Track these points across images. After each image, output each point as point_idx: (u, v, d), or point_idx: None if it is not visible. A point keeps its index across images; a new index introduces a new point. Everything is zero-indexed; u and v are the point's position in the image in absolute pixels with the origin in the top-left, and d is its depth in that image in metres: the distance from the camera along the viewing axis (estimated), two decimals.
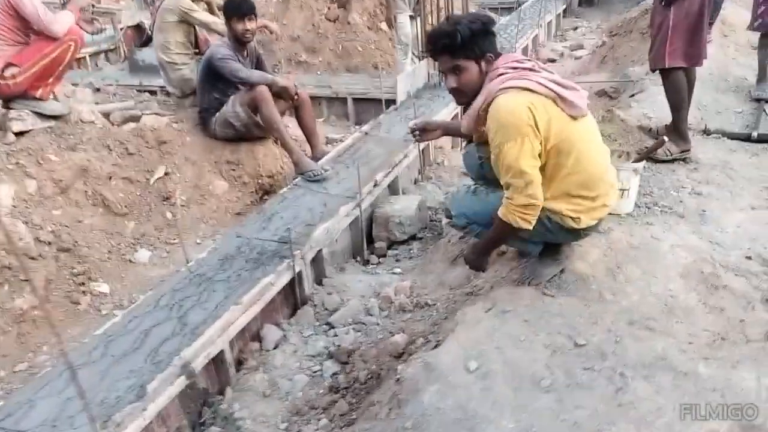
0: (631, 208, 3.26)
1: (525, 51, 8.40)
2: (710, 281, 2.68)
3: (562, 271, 2.75)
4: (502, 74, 2.40)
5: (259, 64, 4.96)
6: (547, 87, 2.36)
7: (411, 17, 7.16)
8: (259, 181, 4.90)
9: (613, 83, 6.69)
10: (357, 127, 6.72)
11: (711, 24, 6.04)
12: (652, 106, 4.97)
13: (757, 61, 5.12)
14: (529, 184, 2.33)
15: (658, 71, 3.80)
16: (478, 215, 2.67)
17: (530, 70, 2.42)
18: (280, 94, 4.79)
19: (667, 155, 3.76)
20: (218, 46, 4.65)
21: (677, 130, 3.83)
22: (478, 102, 2.44)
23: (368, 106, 6.63)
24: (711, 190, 3.53)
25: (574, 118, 2.42)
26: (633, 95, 5.61)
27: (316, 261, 3.69)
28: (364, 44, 8.06)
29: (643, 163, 3.22)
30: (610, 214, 3.11)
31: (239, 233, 3.73)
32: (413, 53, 7.25)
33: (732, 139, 4.44)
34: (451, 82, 2.47)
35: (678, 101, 3.77)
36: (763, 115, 4.81)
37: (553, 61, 8.46)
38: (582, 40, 9.21)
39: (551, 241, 2.70)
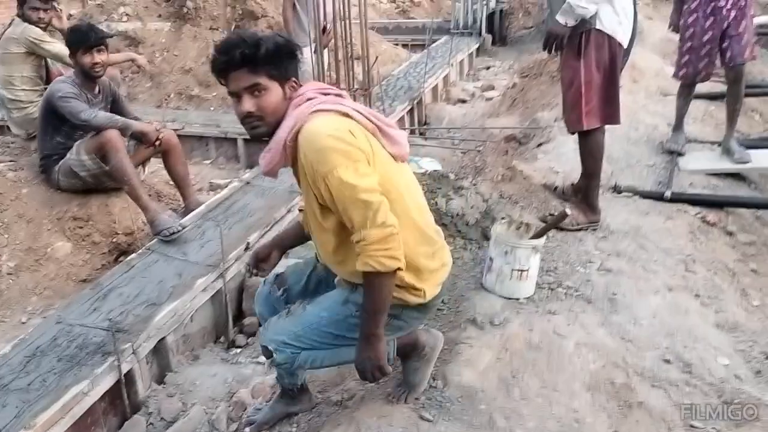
0: (532, 290, 2.75)
1: (435, 90, 8.00)
2: (623, 396, 2.17)
3: (434, 379, 2.19)
4: (312, 98, 1.90)
5: (115, 104, 4.25)
6: (365, 116, 1.91)
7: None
8: (114, 240, 4.17)
9: (523, 129, 6.32)
10: (248, 170, 6.07)
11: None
12: (559, 158, 4.57)
13: (675, 109, 4.81)
14: (378, 211, 1.79)
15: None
16: (304, 337, 2.05)
17: (341, 96, 1.98)
18: (139, 138, 4.11)
19: (573, 226, 3.29)
20: (61, 82, 3.93)
21: (587, 199, 3.38)
22: (284, 131, 1.88)
23: (261, 148, 5.98)
24: (622, 265, 3.07)
25: (395, 158, 1.97)
26: (540, 144, 5.22)
27: (158, 352, 3.00)
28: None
29: (544, 239, 2.72)
30: (508, 299, 2.60)
31: (61, 317, 2.99)
32: None
33: (644, 197, 4.05)
34: (247, 104, 1.89)
35: (593, 167, 3.33)
36: (675, 171, 4.48)
37: (463, 101, 8.09)
38: (494, 80, 8.92)
39: (398, 332, 2.12)
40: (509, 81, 8.78)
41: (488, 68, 9.80)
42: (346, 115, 1.88)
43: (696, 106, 5.62)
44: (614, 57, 3.06)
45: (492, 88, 8.35)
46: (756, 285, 3.39)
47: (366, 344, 1.94)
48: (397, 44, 10.84)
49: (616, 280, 2.90)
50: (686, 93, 4.66)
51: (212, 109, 7.29)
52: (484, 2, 11.21)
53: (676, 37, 8.06)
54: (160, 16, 8.16)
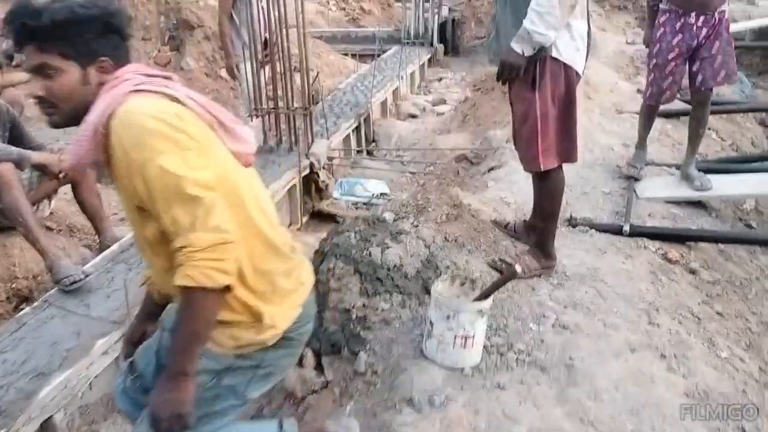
0: (478, 359, 2.39)
1: (384, 105, 7.64)
2: None
3: None
4: (130, 79, 1.53)
5: (15, 130, 3.76)
6: (200, 105, 1.55)
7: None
8: (14, 285, 3.68)
9: (474, 150, 6.00)
10: None
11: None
12: (511, 186, 4.24)
13: (638, 129, 4.51)
14: (210, 211, 1.43)
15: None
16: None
17: (169, 79, 1.62)
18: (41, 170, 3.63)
19: (525, 273, 2.95)
20: None
21: (542, 244, 3.04)
22: (94, 115, 1.48)
23: None
24: (579, 319, 2.74)
25: (238, 158, 1.61)
26: (491, 169, 4.89)
27: None
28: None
29: (491, 300, 2.36)
30: (451, 370, 2.23)
31: None
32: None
33: (601, 231, 3.75)
34: (35, 87, 1.54)
35: (551, 209, 2.99)
36: (633, 198, 4.19)
37: (414, 116, 7.76)
38: (445, 93, 8.62)
39: (268, 382, 1.75)
40: (461, 94, 8.50)
41: (440, 80, 9.50)
42: (176, 100, 1.51)
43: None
44: (571, 87, 2.72)
45: (443, 102, 8.04)
46: (722, 331, 3.10)
47: (169, 383, 1.51)
48: (346, 54, 10.48)
49: (574, 341, 2.56)
50: (649, 113, 4.37)
51: None
52: (436, 11, 10.92)
53: (630, 49, 7.91)
54: None
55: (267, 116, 5.45)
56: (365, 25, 12.35)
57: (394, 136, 7.04)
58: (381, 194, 5.86)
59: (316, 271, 2.66)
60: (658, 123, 5.54)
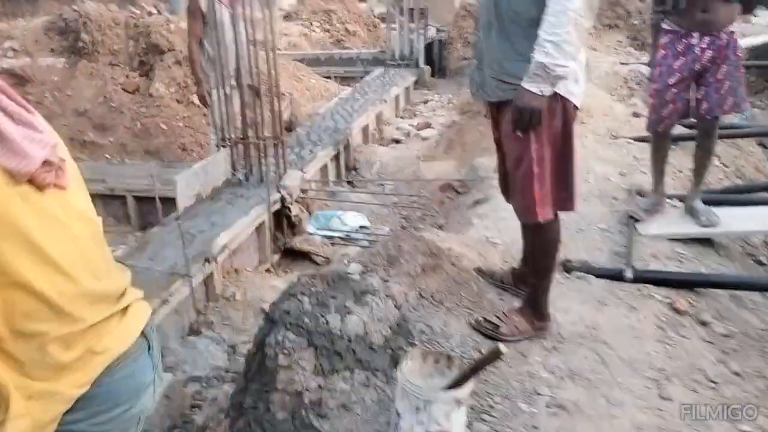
0: None
1: (366, 130, 7.25)
2: None
3: None
4: None
5: None
6: None
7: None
8: None
9: (459, 180, 5.61)
10: (140, 234, 5.17)
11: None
12: (498, 224, 3.82)
13: (651, 169, 4.02)
14: None
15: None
16: None
17: None
18: None
19: (514, 336, 2.52)
20: None
21: (534, 303, 2.61)
22: None
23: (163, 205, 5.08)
24: (578, 395, 2.31)
25: (13, 177, 1.09)
26: (477, 202, 4.49)
27: None
28: (170, 120, 6.57)
29: (470, 385, 1.93)
30: None
31: None
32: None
33: (600, 277, 3.33)
34: None
35: (546, 264, 2.57)
36: (634, 236, 3.78)
37: (398, 141, 7.37)
38: (431, 116, 8.24)
39: None
40: (448, 117, 8.12)
41: (426, 102, 9.14)
42: None
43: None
44: (569, 124, 2.31)
45: (428, 126, 7.66)
46: (741, 396, 2.67)
47: None
48: (329, 77, 10.12)
49: (572, 426, 2.13)
50: (657, 145, 3.90)
51: (108, 156, 6.37)
52: (421, 32, 10.59)
53: (623, 69, 7.54)
54: (52, 50, 7.22)
55: (235, 146, 5.03)
56: (350, 47, 12.02)
57: (376, 164, 6.64)
58: (360, 227, 5.45)
59: (262, 344, 2.23)
60: None
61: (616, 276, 3.33)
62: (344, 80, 10.15)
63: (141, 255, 3.85)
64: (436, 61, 10.99)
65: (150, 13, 7.43)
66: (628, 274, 3.28)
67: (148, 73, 7.01)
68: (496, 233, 3.70)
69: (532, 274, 2.61)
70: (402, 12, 10.25)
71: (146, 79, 6.96)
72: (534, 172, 2.29)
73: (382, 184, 6.33)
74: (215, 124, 5.11)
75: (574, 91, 2.28)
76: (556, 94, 2.23)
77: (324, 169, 5.97)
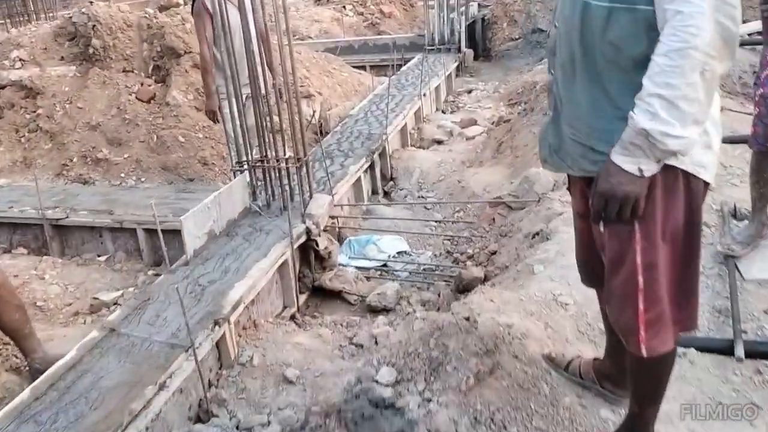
0: None
1: (404, 131, 6.53)
2: None
3: None
4: None
5: None
6: None
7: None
8: None
9: (512, 196, 4.87)
10: (152, 271, 4.63)
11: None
12: (566, 273, 3.10)
13: (751, 186, 3.26)
14: None
15: None
16: None
17: None
18: None
19: None
20: None
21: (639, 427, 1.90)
22: None
23: (174, 237, 4.50)
24: None
25: None
26: (536, 235, 3.76)
27: None
28: (188, 132, 5.98)
29: None
30: None
31: None
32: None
33: (701, 351, 2.61)
34: None
35: (654, 392, 1.85)
36: (738, 283, 3.03)
37: (440, 142, 6.63)
38: (476, 110, 7.46)
39: None
40: (494, 110, 7.34)
41: (470, 92, 8.35)
42: None
43: (741, 157, 4.20)
44: (695, 212, 1.58)
45: (474, 122, 6.89)
46: None
47: None
48: (363, 67, 9.41)
49: None
50: (759, 164, 3.11)
51: (122, 175, 5.83)
52: (462, 9, 9.76)
53: None
54: (62, 59, 6.69)
55: (253, 170, 4.40)
56: (385, 31, 11.24)
57: (416, 172, 5.94)
58: (399, 253, 4.79)
59: None
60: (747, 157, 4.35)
61: (723, 349, 2.61)
62: (380, 69, 9.42)
63: (138, 319, 3.27)
64: (479, 42, 10.14)
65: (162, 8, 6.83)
66: (739, 352, 2.55)
67: (165, 78, 6.42)
68: (565, 287, 2.99)
69: (633, 400, 1.90)
70: None
71: (162, 86, 6.38)
72: (639, 285, 1.57)
73: (423, 196, 5.63)
74: (229, 143, 4.49)
75: (705, 162, 1.55)
76: (675, 169, 1.51)
77: (357, 184, 5.30)
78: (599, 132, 1.54)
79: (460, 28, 9.34)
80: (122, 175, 5.82)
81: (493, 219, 5.02)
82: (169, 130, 6.04)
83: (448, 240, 4.97)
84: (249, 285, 3.53)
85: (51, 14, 9.88)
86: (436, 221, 5.24)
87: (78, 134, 6.13)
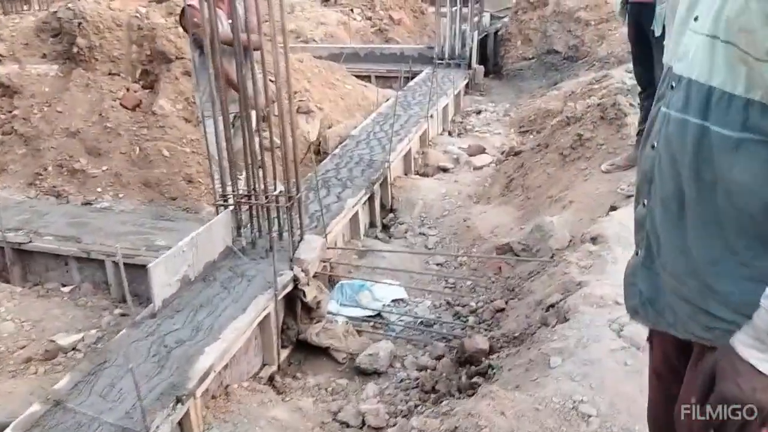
0: None
1: (408, 156, 6.08)
2: None
3: None
4: None
5: None
6: None
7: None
8: None
9: (521, 246, 4.43)
10: (119, 310, 4.19)
11: None
12: (588, 370, 2.66)
13: None
14: None
15: None
16: None
17: None
18: None
19: None
20: None
21: None
22: None
23: (146, 273, 4.03)
24: None
25: None
26: (548, 308, 3.32)
27: None
28: (174, 145, 5.53)
29: None
30: None
31: None
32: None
33: None
34: None
35: None
36: None
37: (445, 170, 6.18)
38: (485, 135, 7.01)
39: None
40: (504, 137, 6.89)
41: (479, 113, 7.90)
42: None
43: None
44: None
45: (482, 150, 6.45)
46: None
47: None
48: (368, 76, 8.96)
49: None
50: None
51: (99, 190, 5.38)
52: (476, 20, 9.31)
53: None
54: (44, 56, 6.22)
55: (238, 207, 3.95)
56: (393, 38, 10.77)
57: (418, 205, 5.49)
58: (395, 301, 4.35)
59: None
60: None
61: None
62: (386, 80, 8.96)
63: (89, 389, 2.82)
64: (490, 58, 9.69)
65: None
66: None
67: (153, 85, 5.95)
68: (587, 391, 2.55)
69: None
70: None
71: (150, 93, 5.92)
72: None
73: (424, 233, 5.18)
74: (213, 171, 4.04)
75: None
76: None
77: (354, 218, 4.86)
78: (718, 294, 1.10)
79: (472, 42, 8.89)
80: (99, 189, 5.36)
81: (500, 268, 4.58)
82: (153, 142, 5.58)
83: (450, 287, 4.53)
84: (222, 349, 3.08)
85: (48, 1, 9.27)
86: (437, 264, 4.80)
87: (55, 140, 5.66)
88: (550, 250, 4.15)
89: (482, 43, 9.50)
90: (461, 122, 7.64)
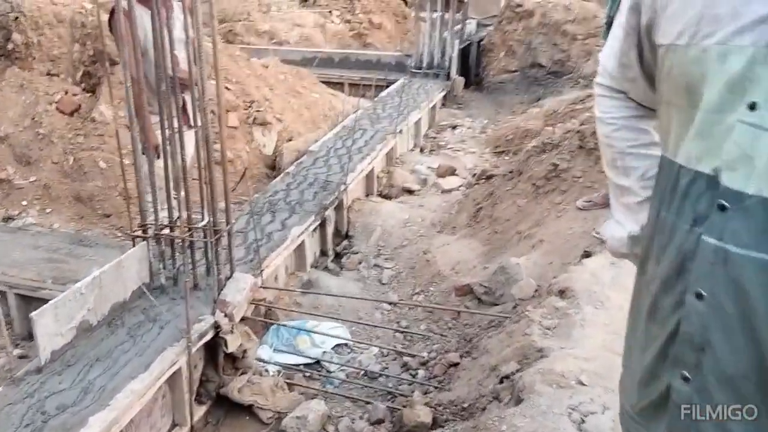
0: None
1: (369, 176, 5.61)
2: None
3: None
4: None
5: None
6: None
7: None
8: None
9: (483, 288, 3.98)
10: (18, 350, 3.70)
11: None
12: None
13: None
14: None
15: None
16: None
17: None
18: None
19: None
20: None
21: None
22: None
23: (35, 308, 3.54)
24: None
25: None
26: (502, 380, 2.86)
27: None
28: (113, 156, 5.03)
29: None
30: None
31: None
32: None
33: None
34: None
35: None
36: None
37: (410, 191, 5.72)
38: (458, 153, 6.55)
39: None
40: (478, 157, 6.45)
41: (454, 128, 7.44)
42: None
43: None
44: None
45: (453, 171, 5.99)
46: None
47: None
48: (341, 83, 8.49)
49: None
50: None
51: (24, 203, 4.87)
52: (458, 28, 8.87)
53: None
54: None
55: (157, 240, 3.46)
56: (372, 43, 10.30)
57: (376, 232, 5.03)
58: (337, 346, 3.88)
59: None
60: None
61: None
62: (359, 88, 8.48)
63: None
64: (471, 68, 9.23)
65: None
66: None
67: (95, 88, 5.45)
68: None
69: None
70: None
71: (91, 97, 5.41)
72: None
73: (379, 265, 4.72)
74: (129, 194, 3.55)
75: None
76: None
77: (300, 249, 4.38)
78: None
79: (453, 51, 8.43)
80: (24, 202, 4.85)
81: (458, 313, 4.12)
82: (89, 151, 5.07)
83: (402, 331, 4.07)
84: (110, 420, 2.60)
85: None
86: (389, 303, 4.33)
87: None
88: (513, 299, 3.69)
89: (464, 52, 9.05)
90: (434, 138, 7.18)
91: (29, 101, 5.31)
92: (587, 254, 3.75)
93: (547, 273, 3.87)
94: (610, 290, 3.26)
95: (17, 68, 5.46)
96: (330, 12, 10.56)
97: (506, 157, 6.25)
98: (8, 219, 4.74)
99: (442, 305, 4.17)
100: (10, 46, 5.46)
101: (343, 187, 4.93)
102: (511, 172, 5.04)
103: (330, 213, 4.80)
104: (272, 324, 3.88)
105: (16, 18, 5.43)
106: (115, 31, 3.40)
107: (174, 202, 3.40)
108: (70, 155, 5.06)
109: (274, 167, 5.81)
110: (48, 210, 4.83)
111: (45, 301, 3.54)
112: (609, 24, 3.90)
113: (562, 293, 3.37)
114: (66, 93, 5.36)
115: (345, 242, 4.99)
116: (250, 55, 8.94)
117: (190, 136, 3.61)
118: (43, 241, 4.08)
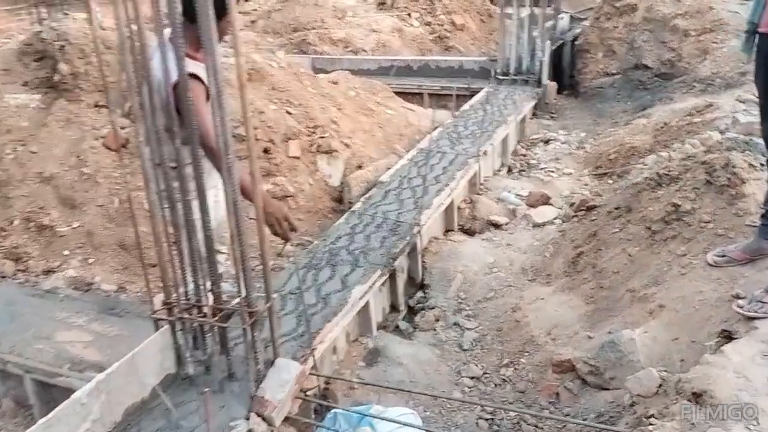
0: None
1: (449, 210, 4.85)
2: None
3: None
4: None
5: None
6: None
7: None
8: None
9: (590, 364, 3.16)
10: None
11: None
12: None
13: None
14: None
15: None
16: None
17: None
18: None
19: None
20: None
21: None
22: None
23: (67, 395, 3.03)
24: None
25: None
26: None
27: None
28: None
29: None
30: None
31: None
32: None
33: None
34: None
35: None
36: None
37: (497, 225, 4.92)
38: (552, 175, 5.67)
39: None
40: (575, 179, 5.56)
41: (547, 142, 6.56)
42: None
43: None
44: None
45: (546, 200, 5.14)
46: None
47: None
48: (420, 94, 7.76)
49: None
50: None
51: (66, 253, 4.44)
52: (549, 25, 7.94)
53: None
54: (25, 84, 5.34)
55: (181, 322, 2.86)
56: (455, 46, 9.49)
57: (456, 279, 4.28)
58: None
59: None
60: None
61: None
62: (440, 99, 7.73)
63: None
64: (565, 70, 8.27)
65: None
66: None
67: None
68: None
69: None
70: None
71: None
72: None
73: (459, 324, 3.97)
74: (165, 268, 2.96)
75: None
76: None
77: (364, 311, 3.69)
78: None
79: (544, 54, 7.50)
80: (66, 252, 4.43)
81: (557, 394, 3.33)
82: (136, 191, 4.57)
83: (487, 419, 3.31)
84: None
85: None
86: (472, 377, 3.58)
87: (27, 187, 4.77)
88: (630, 396, 2.86)
89: (557, 53, 8.10)
90: (524, 155, 6.31)
91: (75, 137, 4.90)
92: (727, 335, 2.85)
93: (671, 355, 3.01)
94: (766, 400, 2.38)
95: (64, 101, 5.06)
96: (408, 14, 9.83)
97: (609, 181, 5.33)
98: (48, 272, 4.32)
99: (538, 383, 3.38)
100: (56, 77, 5.07)
101: (416, 230, 4.21)
102: (617, 208, 4.15)
103: (401, 260, 4.09)
104: (328, 408, 3.21)
105: (62, 47, 5.03)
106: (184, 103, 2.68)
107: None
108: (115, 196, 4.59)
109: (340, 200, 5.16)
110: (90, 260, 4.38)
111: (63, 389, 3.04)
112: (752, 32, 2.99)
113: (697, 398, 2.51)
114: (113, 127, 4.90)
115: (419, 293, 4.27)
116: (323, 65, 8.39)
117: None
118: (70, 309, 3.60)
